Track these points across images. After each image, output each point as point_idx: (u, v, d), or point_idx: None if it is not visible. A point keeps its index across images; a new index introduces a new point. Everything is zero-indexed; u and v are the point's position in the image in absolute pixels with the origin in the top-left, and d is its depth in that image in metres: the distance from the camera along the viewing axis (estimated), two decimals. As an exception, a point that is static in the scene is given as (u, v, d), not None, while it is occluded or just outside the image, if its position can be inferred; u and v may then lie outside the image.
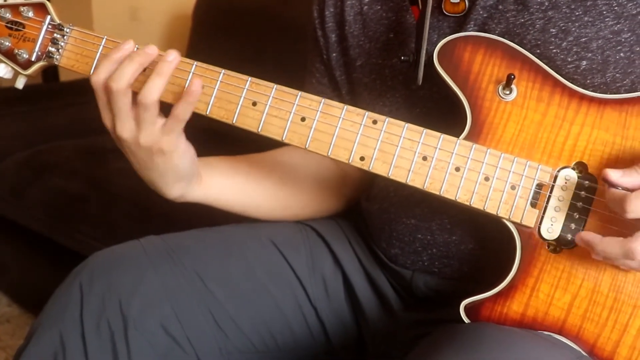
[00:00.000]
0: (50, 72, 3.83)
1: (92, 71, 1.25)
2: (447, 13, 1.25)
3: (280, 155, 1.48)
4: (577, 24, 1.17)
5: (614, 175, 1.04)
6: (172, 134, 1.20)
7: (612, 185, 1.05)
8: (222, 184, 1.39)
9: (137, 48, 1.20)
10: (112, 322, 1.26)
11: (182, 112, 1.18)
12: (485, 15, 1.23)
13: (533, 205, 1.12)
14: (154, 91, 1.17)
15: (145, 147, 1.21)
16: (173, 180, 1.28)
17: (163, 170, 1.26)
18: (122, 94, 1.17)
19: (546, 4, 1.19)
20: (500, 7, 1.22)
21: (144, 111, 1.17)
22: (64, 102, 3.26)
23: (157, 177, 1.28)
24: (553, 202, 1.11)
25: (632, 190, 1.02)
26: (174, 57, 1.18)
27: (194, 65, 1.22)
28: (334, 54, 1.44)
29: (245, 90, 1.20)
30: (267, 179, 1.45)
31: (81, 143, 2.86)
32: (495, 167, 1.12)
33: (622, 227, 1.05)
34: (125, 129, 1.20)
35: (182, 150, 1.24)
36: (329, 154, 1.17)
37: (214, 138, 1.71)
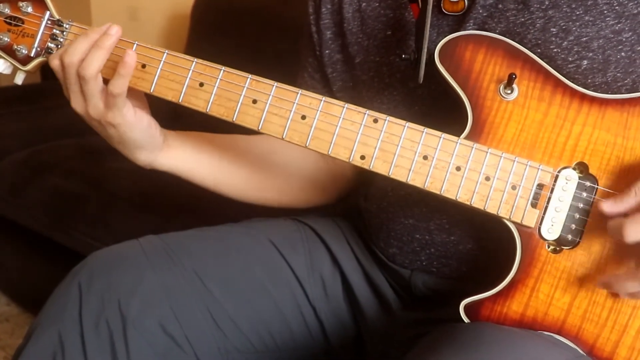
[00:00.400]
0: (49, 71, 3.80)
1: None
2: (446, 12, 1.25)
3: (261, 140, 1.48)
4: (577, 24, 1.16)
5: (607, 206, 1.05)
6: (114, 109, 1.23)
7: (608, 215, 1.05)
8: (194, 157, 1.40)
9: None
10: (111, 321, 1.25)
11: (116, 87, 1.21)
12: (485, 14, 1.23)
13: (534, 205, 1.11)
14: (92, 63, 1.21)
15: (96, 119, 1.26)
16: (132, 148, 1.32)
17: (119, 139, 1.30)
18: (73, 67, 1.23)
19: (547, 3, 1.19)
20: (500, 6, 1.22)
21: (84, 84, 1.23)
22: (63, 102, 3.20)
23: (118, 145, 1.33)
24: (554, 202, 1.11)
25: (628, 214, 1.03)
26: (115, 30, 1.23)
27: (194, 63, 1.22)
28: (327, 51, 1.44)
29: (245, 88, 1.20)
30: (244, 159, 1.45)
31: (80, 142, 2.85)
32: (496, 167, 1.12)
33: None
34: (76, 102, 1.27)
35: (129, 123, 1.27)
36: (329, 152, 1.17)
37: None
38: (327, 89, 1.46)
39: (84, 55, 1.22)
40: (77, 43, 1.23)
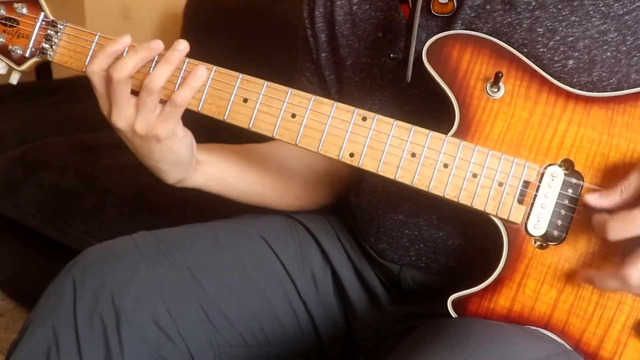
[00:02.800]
0: (44, 69, 3.83)
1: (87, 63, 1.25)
2: (435, 13, 1.25)
3: (276, 147, 1.48)
4: (564, 24, 1.17)
5: (592, 199, 1.06)
6: (170, 121, 1.21)
7: (592, 208, 1.06)
8: (220, 170, 1.39)
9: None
10: (105, 316, 1.25)
11: (182, 98, 1.19)
12: (472, 14, 1.23)
13: (520, 201, 1.12)
14: (161, 77, 1.18)
15: (141, 134, 1.21)
16: (171, 166, 1.29)
17: (159, 156, 1.26)
18: (123, 82, 1.18)
19: (533, 3, 1.19)
20: (487, 7, 1.22)
21: (147, 96, 1.18)
22: (57, 100, 3.25)
23: (155, 164, 1.28)
24: (540, 199, 1.11)
25: (612, 210, 1.03)
26: (183, 46, 1.20)
27: (185, 62, 1.22)
28: (324, 54, 1.44)
29: (236, 87, 1.20)
30: (266, 169, 1.45)
31: (74, 140, 2.85)
32: (483, 164, 1.12)
33: None
34: (121, 117, 1.21)
35: (179, 137, 1.24)
36: (319, 150, 1.17)
37: (206, 135, 1.70)
38: (326, 91, 1.46)
39: (134, 71, 1.19)
40: (128, 59, 1.18)
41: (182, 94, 1.19)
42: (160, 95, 1.19)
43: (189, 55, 1.23)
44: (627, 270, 0.99)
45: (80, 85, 3.00)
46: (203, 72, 1.19)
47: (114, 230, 1.49)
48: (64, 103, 3.19)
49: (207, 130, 1.45)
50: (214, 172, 1.38)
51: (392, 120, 1.14)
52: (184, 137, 1.25)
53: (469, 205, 1.13)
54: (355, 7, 1.38)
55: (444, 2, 1.24)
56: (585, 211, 1.09)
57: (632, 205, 1.00)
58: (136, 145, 1.25)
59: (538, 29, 1.18)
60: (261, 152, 1.47)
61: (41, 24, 1.28)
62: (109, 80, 1.19)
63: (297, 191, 1.50)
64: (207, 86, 1.21)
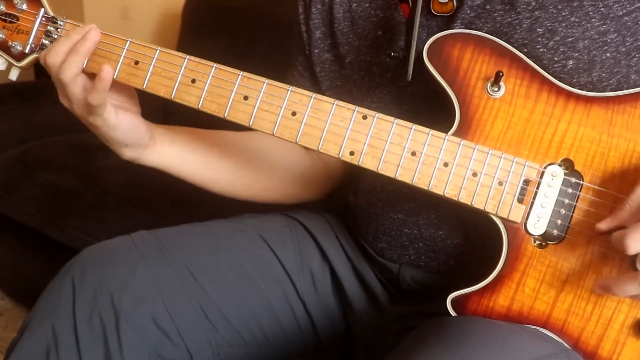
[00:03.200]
0: (43, 68, 3.80)
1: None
2: (435, 13, 1.25)
3: (250, 136, 1.47)
4: (563, 24, 1.17)
5: (604, 225, 1.06)
6: (96, 115, 1.24)
7: (607, 233, 1.05)
8: (179, 154, 1.39)
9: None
10: (104, 315, 1.25)
11: (94, 99, 1.22)
12: (472, 14, 1.23)
13: (520, 201, 1.12)
14: (68, 69, 1.22)
15: (81, 117, 1.27)
16: (117, 145, 1.32)
17: (103, 136, 1.30)
18: (52, 69, 1.25)
19: (533, 4, 1.19)
20: (487, 7, 1.22)
21: (64, 87, 1.24)
22: (56, 99, 3.21)
23: (104, 141, 1.33)
24: (539, 198, 1.11)
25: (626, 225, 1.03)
26: (93, 35, 1.24)
27: (186, 59, 1.22)
28: (317, 50, 1.44)
29: (236, 84, 1.20)
30: (229, 156, 1.44)
31: (73, 139, 2.84)
32: (483, 163, 1.12)
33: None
34: (63, 100, 1.29)
35: (111, 125, 1.26)
36: (319, 148, 1.16)
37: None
38: (316, 87, 1.46)
39: (65, 56, 1.23)
40: (59, 44, 1.24)
41: (94, 97, 1.22)
42: (77, 84, 1.24)
43: (188, 54, 1.23)
44: None
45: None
46: (107, 73, 1.21)
47: (113, 230, 1.48)
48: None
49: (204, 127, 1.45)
50: (169, 153, 1.38)
51: (392, 118, 1.14)
52: (120, 124, 1.27)
53: (469, 204, 1.12)
54: (354, 4, 1.38)
55: (444, 1, 1.24)
56: (585, 210, 1.09)
57: None
58: (86, 125, 1.30)
59: (538, 29, 1.17)
60: (228, 139, 1.47)
61: (41, 20, 1.29)
62: (44, 63, 1.26)
63: (265, 182, 1.49)
64: (207, 83, 1.20)
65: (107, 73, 1.20)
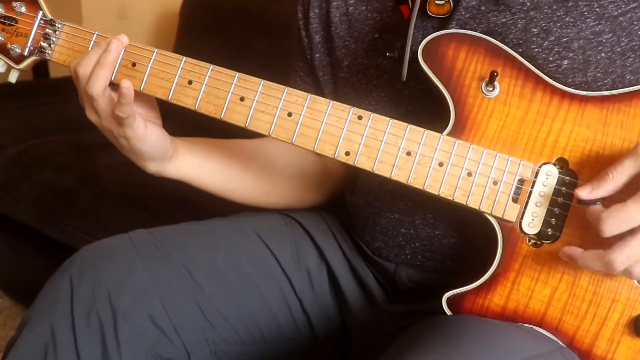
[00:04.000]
0: (41, 68, 3.84)
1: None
2: (431, 14, 1.25)
3: (266, 144, 1.47)
4: (558, 24, 1.16)
5: (584, 193, 1.04)
6: (126, 127, 1.22)
7: (585, 203, 1.04)
8: (199, 165, 1.39)
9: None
10: (102, 314, 1.25)
11: (121, 112, 1.20)
12: (467, 15, 1.22)
13: (515, 200, 1.11)
14: (97, 82, 1.20)
15: (109, 131, 1.25)
16: (142, 159, 1.30)
17: (129, 150, 1.28)
18: (83, 80, 1.22)
19: (528, 4, 1.18)
20: (482, 8, 1.22)
21: (92, 101, 1.22)
22: (54, 99, 3.25)
23: (129, 155, 1.31)
24: (534, 197, 1.11)
25: (608, 200, 1.02)
26: (115, 46, 1.21)
27: (182, 61, 1.21)
28: (318, 55, 1.44)
29: (233, 85, 1.19)
30: (248, 165, 1.44)
31: (71, 139, 2.85)
32: (477, 162, 1.12)
33: None
34: (90, 114, 1.26)
35: (140, 137, 1.25)
36: (315, 148, 1.16)
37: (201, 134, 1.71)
38: (320, 92, 1.45)
39: (93, 68, 1.22)
40: (91, 54, 1.22)
41: (121, 109, 1.20)
42: (106, 98, 1.22)
43: (186, 55, 1.23)
44: (613, 254, 0.97)
45: (77, 84, 3.00)
46: (128, 89, 1.18)
47: (110, 229, 1.48)
48: (61, 102, 3.18)
49: (201, 128, 1.45)
50: (191, 165, 1.38)
51: (387, 118, 1.14)
52: (146, 137, 1.26)
53: (464, 203, 1.12)
54: (351, 8, 1.37)
55: (441, 3, 1.24)
56: (580, 209, 1.08)
57: (629, 192, 0.99)
58: (110, 139, 1.29)
59: (533, 29, 1.17)
60: (246, 147, 1.46)
61: (39, 22, 1.28)
62: (73, 72, 1.23)
63: (282, 189, 1.49)
64: (203, 85, 1.20)
65: (128, 88, 1.18)
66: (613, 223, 0.98)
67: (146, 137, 1.26)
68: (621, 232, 0.98)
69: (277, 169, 1.47)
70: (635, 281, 1.08)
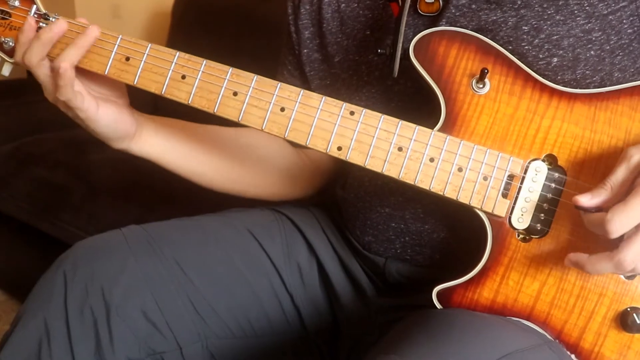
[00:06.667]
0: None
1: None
2: (421, 12, 1.24)
3: (245, 133, 1.46)
4: (549, 22, 1.16)
5: (584, 200, 1.02)
6: (72, 110, 1.24)
7: (585, 209, 1.03)
8: (163, 145, 1.37)
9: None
10: (95, 308, 1.25)
11: (61, 95, 1.21)
12: (457, 13, 1.22)
13: (504, 195, 1.11)
14: (65, 59, 1.20)
15: (65, 110, 1.25)
16: (104, 138, 1.30)
17: (90, 129, 1.29)
18: (35, 66, 1.23)
19: (519, 2, 1.18)
20: (473, 6, 1.21)
21: (57, 77, 1.20)
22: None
23: (92, 133, 1.30)
24: (523, 193, 1.10)
25: (604, 207, 1.01)
26: (94, 32, 1.23)
27: (176, 55, 1.21)
28: (306, 50, 1.44)
29: (226, 80, 1.19)
30: (218, 150, 1.43)
31: (64, 135, 2.84)
32: (468, 158, 1.11)
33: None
34: (47, 92, 1.26)
35: (92, 119, 1.25)
36: (307, 143, 1.16)
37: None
38: (306, 86, 1.45)
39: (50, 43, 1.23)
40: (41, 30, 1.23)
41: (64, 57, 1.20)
42: (70, 78, 1.21)
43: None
44: (621, 253, 0.95)
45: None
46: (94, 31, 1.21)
47: (103, 224, 1.48)
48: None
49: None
50: (152, 145, 1.36)
51: (379, 114, 1.13)
52: (101, 118, 1.26)
53: (454, 198, 1.12)
54: (343, 5, 1.37)
55: (431, 1, 1.24)
56: (569, 205, 1.08)
57: (624, 196, 0.98)
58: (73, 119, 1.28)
59: (523, 27, 1.17)
60: (221, 135, 1.45)
61: (33, 16, 1.27)
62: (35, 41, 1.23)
63: (253, 179, 1.48)
64: (197, 79, 1.20)
65: (65, 69, 1.18)
66: (619, 221, 0.96)
67: (98, 119, 1.26)
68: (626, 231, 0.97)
69: (248, 158, 1.46)
70: (622, 276, 1.08)
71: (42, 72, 1.23)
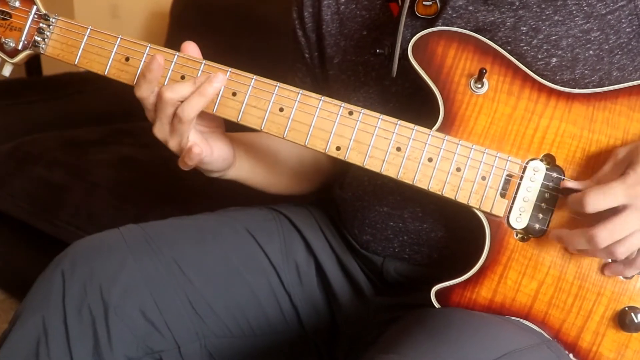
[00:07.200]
0: (34, 66, 3.84)
1: (134, 83, 1.23)
2: (419, 15, 1.24)
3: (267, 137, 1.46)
4: (547, 23, 1.16)
5: (571, 183, 1.07)
6: (183, 136, 1.21)
7: (572, 191, 1.05)
8: (249, 165, 1.40)
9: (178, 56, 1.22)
10: (93, 307, 1.24)
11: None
12: (454, 15, 1.22)
13: (502, 195, 1.11)
14: (192, 109, 1.17)
15: (174, 151, 1.23)
16: (209, 172, 1.32)
17: (201, 169, 1.30)
18: (170, 104, 1.18)
19: (517, 3, 1.18)
20: (470, 7, 1.21)
21: (179, 123, 1.18)
22: (47, 96, 3.24)
23: (205, 173, 1.32)
24: (522, 192, 1.10)
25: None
26: (219, 79, 1.17)
27: (175, 56, 1.21)
28: (316, 54, 1.44)
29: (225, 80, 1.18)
30: (267, 157, 1.45)
31: (63, 135, 2.84)
32: (466, 158, 1.11)
33: (589, 217, 1.03)
34: (160, 131, 1.21)
35: (206, 162, 1.26)
36: (306, 143, 1.16)
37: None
38: (318, 90, 1.43)
39: (184, 98, 1.18)
40: (184, 85, 1.18)
41: (188, 106, 1.17)
42: (191, 124, 1.19)
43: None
44: (596, 230, 0.98)
45: (70, 81, 2.97)
46: (220, 81, 1.17)
47: (102, 223, 1.48)
48: (53, 99, 3.17)
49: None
50: (247, 167, 1.39)
51: (378, 114, 1.13)
52: (212, 160, 1.27)
53: (453, 198, 1.12)
54: (342, 6, 1.37)
55: (428, 4, 1.23)
56: (567, 205, 1.08)
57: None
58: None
59: (522, 28, 1.17)
60: (262, 142, 1.46)
61: (33, 17, 1.27)
62: (159, 95, 1.18)
63: (286, 179, 1.50)
64: (196, 80, 1.19)
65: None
66: (595, 196, 0.98)
67: (212, 161, 1.27)
68: (604, 210, 0.99)
69: (282, 161, 1.47)
70: (620, 276, 1.08)
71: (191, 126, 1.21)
